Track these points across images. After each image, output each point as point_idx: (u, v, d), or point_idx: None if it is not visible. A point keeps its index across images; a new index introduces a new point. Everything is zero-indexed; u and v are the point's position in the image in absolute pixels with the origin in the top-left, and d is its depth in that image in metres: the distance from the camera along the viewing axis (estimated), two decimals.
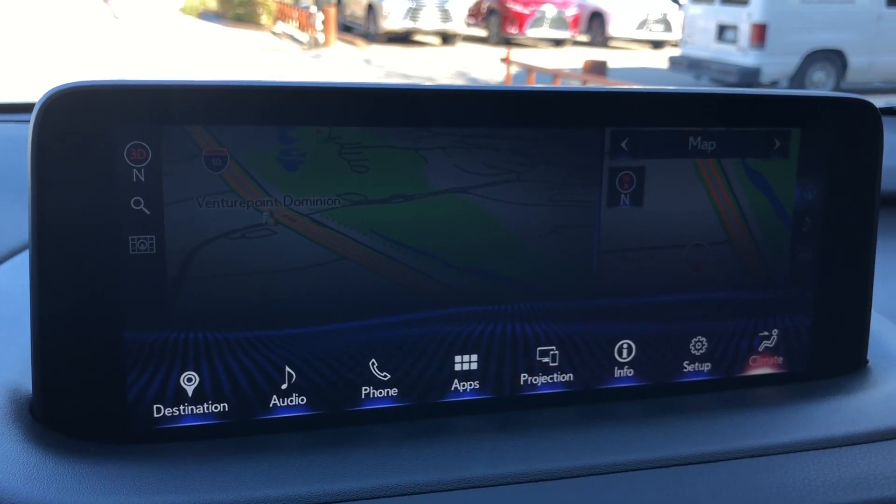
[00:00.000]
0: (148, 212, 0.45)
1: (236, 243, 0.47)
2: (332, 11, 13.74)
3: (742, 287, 0.56)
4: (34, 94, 0.61)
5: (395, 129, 0.48)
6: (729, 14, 10.28)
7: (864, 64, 10.12)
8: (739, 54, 10.06)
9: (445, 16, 14.26)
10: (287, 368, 0.49)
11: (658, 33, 15.35)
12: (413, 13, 14.12)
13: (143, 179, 0.45)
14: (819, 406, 0.55)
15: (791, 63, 9.98)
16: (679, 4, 13.81)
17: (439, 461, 0.46)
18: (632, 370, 0.55)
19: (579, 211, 0.52)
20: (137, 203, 0.45)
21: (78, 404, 0.45)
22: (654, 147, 0.53)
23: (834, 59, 10.17)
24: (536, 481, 0.45)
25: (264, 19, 16.67)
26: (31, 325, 0.44)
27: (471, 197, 0.50)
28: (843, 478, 0.48)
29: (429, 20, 14.25)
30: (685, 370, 0.56)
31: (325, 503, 0.42)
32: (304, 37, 13.97)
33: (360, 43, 13.82)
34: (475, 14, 15.79)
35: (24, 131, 0.75)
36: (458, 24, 14.52)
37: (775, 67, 9.98)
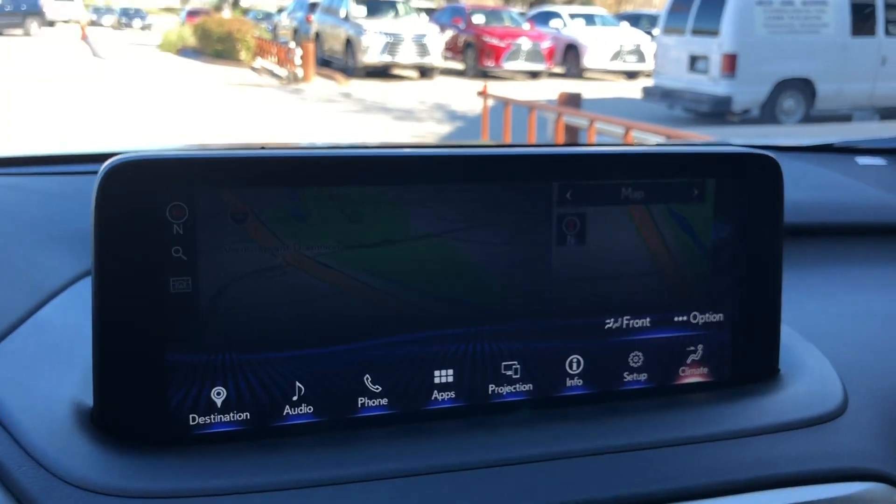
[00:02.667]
0: (185, 258, 0.56)
1: (256, 282, 0.58)
2: (311, 46, 13.91)
3: (670, 309, 0.68)
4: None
5: (383, 186, 0.60)
6: (700, 45, 10.51)
7: (833, 91, 10.36)
8: (711, 84, 10.28)
9: (423, 50, 14.48)
10: (297, 383, 0.60)
11: (632, 64, 15.64)
12: (391, 48, 14.33)
13: (181, 232, 0.56)
14: (737, 406, 0.67)
15: (762, 92, 10.21)
16: (651, 36, 14.06)
17: (422, 453, 0.57)
18: (581, 380, 0.66)
19: (535, 249, 0.64)
20: (177, 251, 0.56)
21: (129, 413, 0.56)
22: (593, 196, 0.65)
23: (803, 87, 10.41)
24: (501, 466, 0.57)
25: (243, 55, 16.79)
26: (92, 350, 0.55)
27: (446, 240, 0.62)
28: (750, 460, 0.60)
29: (407, 54, 14.46)
30: (625, 380, 0.67)
31: (332, 484, 0.53)
32: (283, 72, 14.13)
33: (339, 77, 13.98)
34: (452, 48, 16.03)
35: (57, 183, 0.86)
36: (436, 58, 14.74)
37: (746, 96, 10.21)
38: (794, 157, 1.41)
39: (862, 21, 10.10)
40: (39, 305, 0.69)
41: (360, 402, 0.61)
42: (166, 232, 0.56)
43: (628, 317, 0.67)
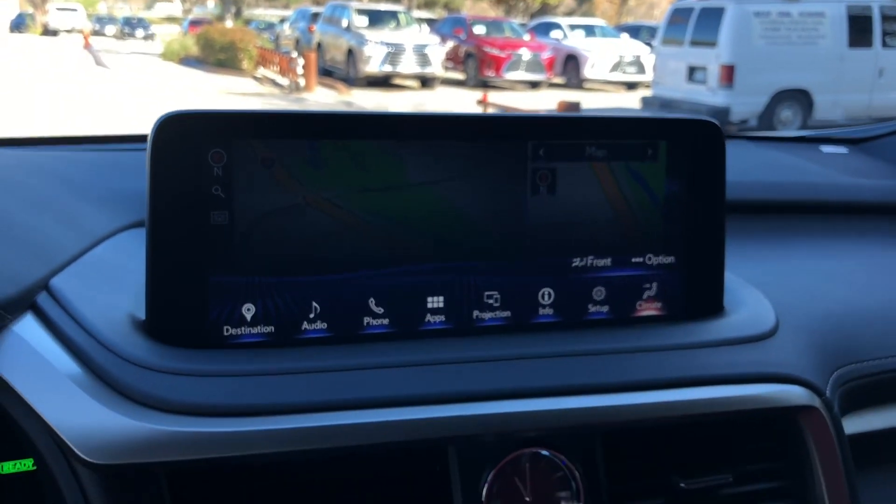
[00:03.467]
0: (223, 196, 0.69)
1: (281, 218, 0.70)
2: (313, 56, 14.05)
3: (628, 252, 0.80)
4: None
5: (385, 140, 0.72)
6: (698, 56, 10.60)
7: (829, 102, 10.45)
8: (709, 94, 10.37)
9: (424, 60, 14.63)
10: (313, 303, 0.72)
11: (632, 75, 15.77)
12: (392, 58, 14.48)
13: (220, 174, 0.69)
14: (684, 328, 0.79)
15: (759, 102, 10.29)
16: (651, 47, 14.18)
17: (416, 350, 0.71)
18: (551, 310, 0.79)
19: (512, 198, 0.76)
20: (216, 189, 0.69)
21: (176, 324, 0.68)
22: (562, 154, 0.77)
23: (800, 98, 10.49)
24: (480, 361, 0.69)
25: (246, 64, 16.92)
26: (146, 271, 0.67)
27: (437, 188, 0.74)
28: (694, 364, 0.74)
29: (408, 64, 14.61)
30: (590, 310, 0.80)
31: (342, 370, 0.65)
32: (285, 81, 14.27)
33: (341, 87, 14.11)
34: (453, 58, 16.18)
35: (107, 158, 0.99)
36: (437, 68, 14.88)
37: (744, 107, 10.30)
38: (765, 145, 1.54)
39: (859, 33, 10.20)
40: (92, 246, 0.81)
41: (365, 322, 0.73)
42: (207, 173, 0.68)
43: (592, 257, 0.79)
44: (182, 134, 0.67)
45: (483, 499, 0.67)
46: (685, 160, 0.80)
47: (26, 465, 0.63)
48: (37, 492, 0.62)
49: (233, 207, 0.69)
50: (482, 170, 0.75)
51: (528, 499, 0.69)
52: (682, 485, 0.72)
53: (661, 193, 0.80)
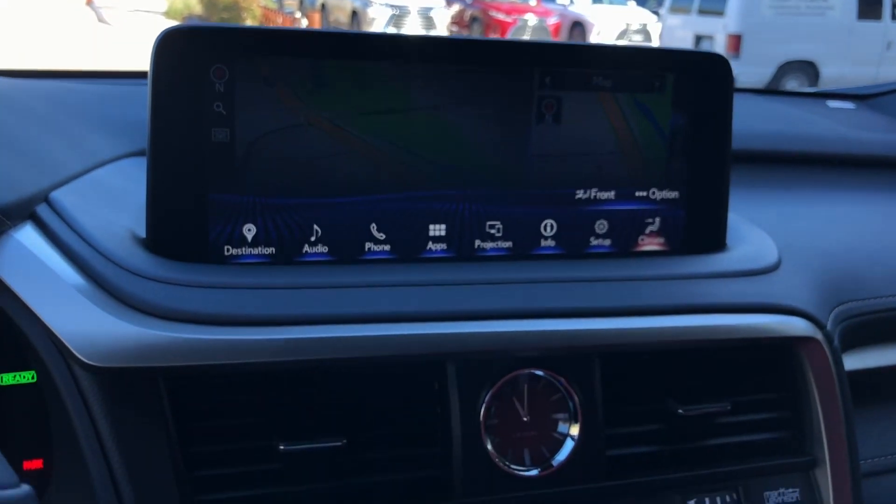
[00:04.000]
0: (224, 113, 0.68)
1: (282, 137, 0.70)
2: (317, 17, 13.94)
3: (632, 185, 0.79)
4: None
5: (389, 61, 0.71)
6: (705, 24, 10.49)
7: (836, 74, 10.36)
8: None
9: (429, 23, 14.51)
10: (315, 226, 0.71)
11: (638, 43, 15.65)
12: (396, 20, 14.36)
13: (222, 90, 0.68)
14: (687, 261, 0.79)
15: (766, 73, 10.21)
16: (658, 15, 14.05)
17: (418, 271, 0.70)
18: (553, 241, 0.78)
19: (517, 126, 0.76)
20: (218, 106, 0.68)
21: (177, 241, 0.68)
22: (568, 83, 0.76)
23: (807, 69, 10.41)
24: (483, 284, 0.69)
25: (249, 23, 16.77)
26: (146, 185, 0.67)
27: (441, 112, 0.73)
28: (697, 292, 0.74)
29: (412, 27, 14.50)
30: (592, 244, 0.79)
31: (343, 287, 0.65)
32: None
33: None
34: (458, 21, 16.04)
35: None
36: (442, 32, 14.76)
37: (750, 77, 10.21)
38: (772, 99, 1.53)
39: (868, 5, 10.10)
40: (94, 167, 0.80)
41: (366, 247, 0.73)
42: (209, 89, 0.67)
43: (596, 189, 0.78)
44: (184, 48, 0.66)
45: (481, 417, 0.68)
46: (692, 94, 0.79)
47: (26, 377, 0.63)
48: (38, 405, 0.63)
49: (234, 125, 0.68)
50: (488, 96, 0.74)
51: (525, 419, 0.69)
52: (680, 411, 0.73)
53: (666, 127, 0.79)
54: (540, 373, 0.69)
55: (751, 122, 1.25)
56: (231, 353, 0.60)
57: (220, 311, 0.61)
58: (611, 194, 0.79)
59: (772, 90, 1.69)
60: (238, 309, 0.62)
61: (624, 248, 0.80)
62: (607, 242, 0.80)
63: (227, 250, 0.70)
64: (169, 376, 0.61)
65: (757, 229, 0.87)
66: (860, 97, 1.57)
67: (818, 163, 1.28)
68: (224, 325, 0.61)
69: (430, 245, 0.75)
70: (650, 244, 0.81)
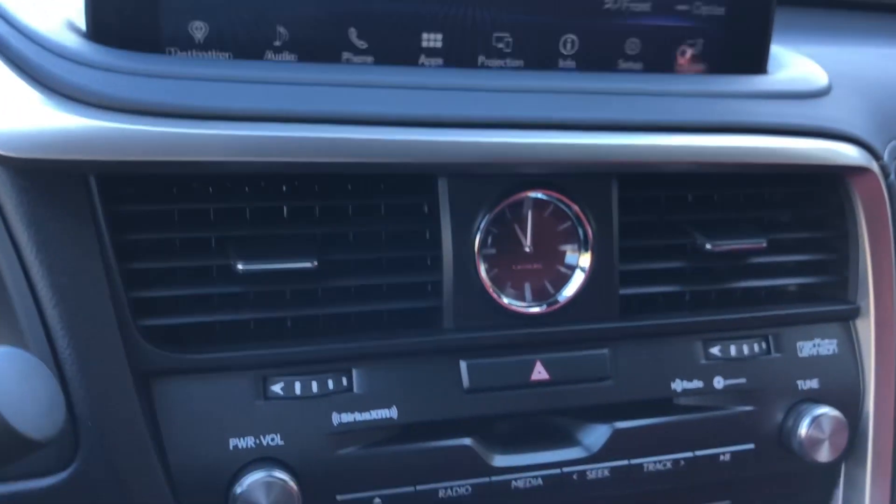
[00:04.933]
0: None
1: None
2: None
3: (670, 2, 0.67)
4: None
5: None
6: None
7: None
8: None
9: None
10: (279, 28, 0.60)
11: None
12: None
13: None
14: (729, 79, 0.67)
15: None
16: None
17: (406, 73, 0.59)
18: (573, 62, 0.67)
19: None
20: None
21: (117, 32, 0.55)
22: None
23: None
24: (483, 91, 0.59)
25: None
26: None
27: None
28: (745, 110, 0.63)
29: None
30: (620, 67, 0.68)
31: (317, 84, 0.55)
32: None
33: None
34: None
35: None
36: None
37: None
38: None
39: None
40: None
41: (344, 57, 0.61)
42: None
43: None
44: None
45: (476, 244, 0.58)
46: None
47: None
48: None
49: None
50: None
51: (528, 249, 0.60)
52: (708, 246, 0.63)
53: None
54: (546, 196, 0.60)
55: None
56: (178, 149, 0.50)
57: (166, 101, 0.51)
58: (646, 6, 0.66)
59: None
60: (188, 99, 0.52)
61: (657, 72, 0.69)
62: (638, 66, 0.68)
63: (171, 52, 0.58)
64: (103, 176, 0.52)
65: (804, 58, 0.76)
66: None
67: (871, 8, 1.15)
68: (171, 116, 0.51)
69: (423, 59, 0.63)
70: (688, 70, 0.70)
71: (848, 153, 0.64)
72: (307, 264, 0.55)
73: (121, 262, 0.53)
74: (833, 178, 0.66)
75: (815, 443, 0.65)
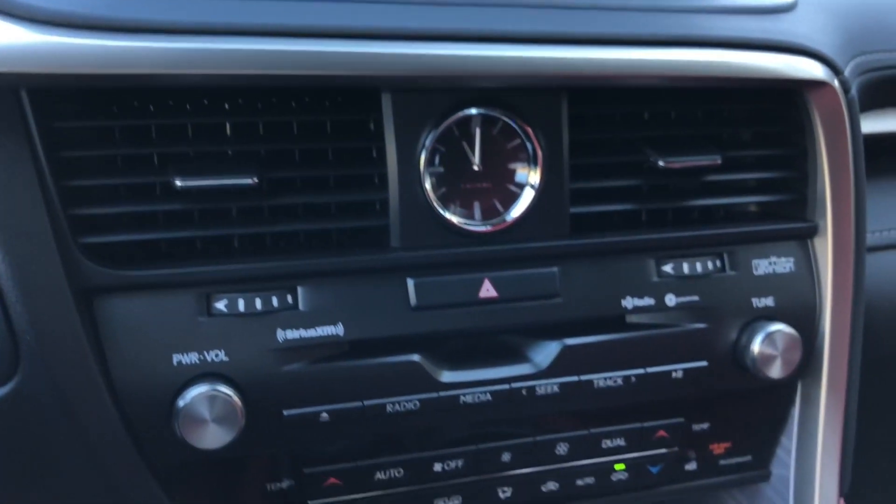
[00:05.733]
0: None
1: None
2: None
3: None
4: None
5: None
6: None
7: None
8: None
9: None
10: None
11: None
12: None
13: None
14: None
15: None
16: None
17: None
18: None
19: None
20: None
21: None
22: None
23: None
24: (430, 5, 0.57)
25: None
26: None
27: None
28: (703, 24, 0.62)
29: None
30: None
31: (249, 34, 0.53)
32: None
33: None
34: None
35: None
36: None
37: None
38: None
39: None
40: None
41: None
42: None
43: None
44: None
45: (421, 161, 0.58)
46: None
47: None
48: None
49: None
50: None
51: (476, 168, 0.60)
52: (661, 163, 0.62)
53: None
54: (494, 113, 0.59)
55: None
56: (111, 62, 0.49)
57: (98, 13, 0.50)
58: None
59: None
60: (121, 12, 0.51)
61: None
62: None
63: None
64: (35, 90, 0.51)
65: None
66: None
67: None
68: (104, 29, 0.50)
69: None
70: None
71: (807, 67, 0.63)
72: (248, 181, 0.55)
73: (58, 180, 0.52)
74: (793, 94, 0.65)
75: (767, 359, 0.65)
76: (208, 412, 0.53)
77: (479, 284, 0.60)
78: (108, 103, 0.55)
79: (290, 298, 0.57)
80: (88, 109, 0.54)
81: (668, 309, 0.64)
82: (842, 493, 0.74)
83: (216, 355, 0.55)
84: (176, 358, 0.54)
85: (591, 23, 0.60)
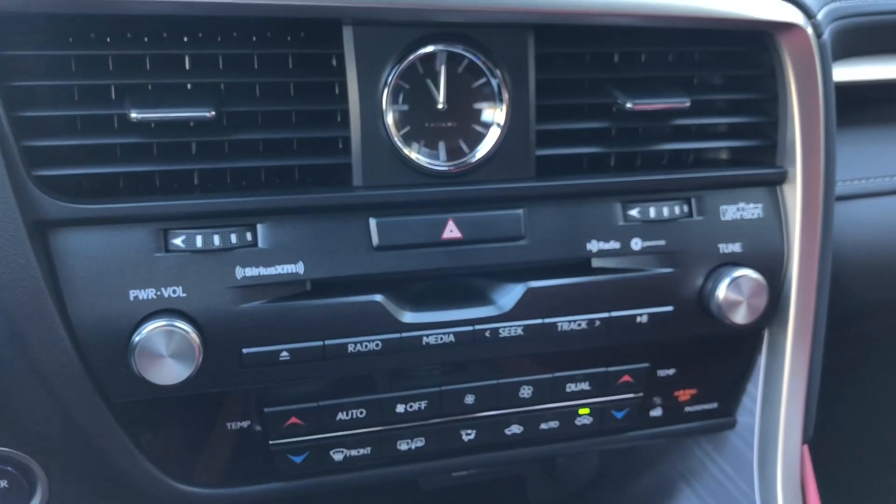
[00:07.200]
0: None
1: None
2: None
3: None
4: None
5: None
6: None
7: None
8: None
9: None
10: None
11: None
12: None
13: None
14: None
15: None
16: None
17: None
18: None
19: None
20: None
21: None
22: None
23: None
24: None
25: None
26: None
27: None
28: None
29: None
30: None
31: None
32: None
33: None
34: None
35: None
36: None
37: None
38: None
39: None
40: None
41: None
42: None
43: None
44: None
45: (384, 98, 0.57)
46: None
47: None
48: None
49: None
50: None
51: (440, 106, 0.59)
52: (629, 105, 0.61)
53: None
54: (459, 50, 0.58)
55: None
56: None
57: None
58: None
59: None
60: None
61: None
62: None
63: None
64: None
65: None
66: None
67: None
68: None
69: None
70: None
71: (780, 10, 0.62)
72: (204, 113, 0.53)
73: (10, 110, 0.51)
74: (765, 37, 0.64)
75: (733, 305, 0.65)
76: (165, 347, 0.53)
77: (443, 225, 0.60)
78: (64, 34, 0.53)
79: (249, 236, 0.56)
80: (43, 39, 0.53)
81: (633, 253, 0.64)
82: (805, 441, 0.74)
83: (173, 291, 0.54)
84: (132, 293, 0.54)
85: None
